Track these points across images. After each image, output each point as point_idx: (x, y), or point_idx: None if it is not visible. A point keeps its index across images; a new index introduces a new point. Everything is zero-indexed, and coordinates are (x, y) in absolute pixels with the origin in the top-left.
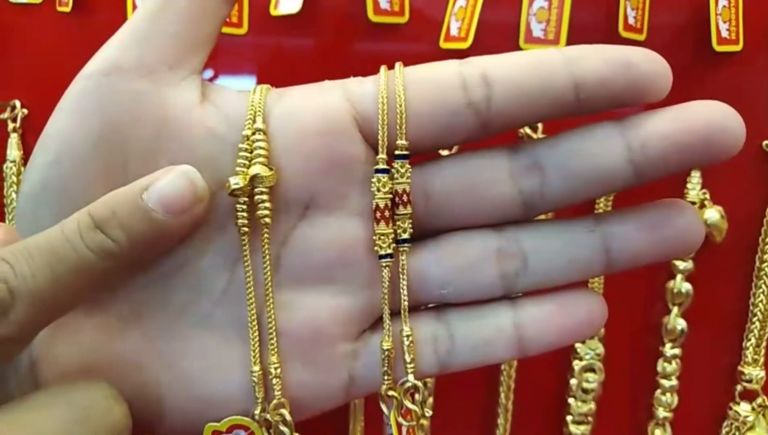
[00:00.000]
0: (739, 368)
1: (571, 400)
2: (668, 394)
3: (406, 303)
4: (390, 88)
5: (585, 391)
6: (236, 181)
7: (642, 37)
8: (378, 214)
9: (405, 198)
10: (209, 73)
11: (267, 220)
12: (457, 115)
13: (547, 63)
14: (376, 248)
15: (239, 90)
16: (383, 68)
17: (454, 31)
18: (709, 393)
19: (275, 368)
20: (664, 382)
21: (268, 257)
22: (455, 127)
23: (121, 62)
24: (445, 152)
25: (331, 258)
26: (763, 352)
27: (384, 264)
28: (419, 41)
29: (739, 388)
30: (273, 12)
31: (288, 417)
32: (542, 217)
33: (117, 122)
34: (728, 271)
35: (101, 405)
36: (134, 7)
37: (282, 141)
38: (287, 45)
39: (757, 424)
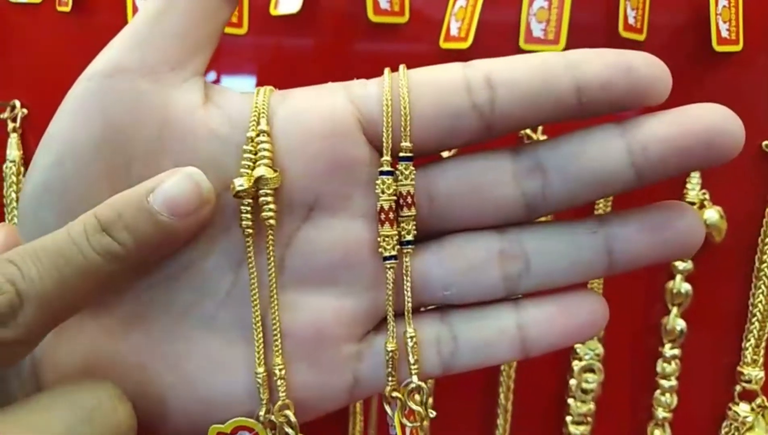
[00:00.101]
0: (739, 369)
1: (570, 401)
2: (668, 395)
3: (409, 304)
4: (394, 90)
5: (584, 391)
6: (241, 183)
7: (642, 37)
8: (382, 216)
9: (409, 200)
10: (212, 76)
11: (272, 221)
12: (461, 117)
13: (549, 67)
14: (380, 250)
15: (242, 91)
16: (387, 70)
17: (454, 31)
18: (708, 393)
19: (280, 369)
20: (664, 383)
21: (272, 259)
22: (459, 129)
23: (123, 63)
24: (446, 154)
25: (335, 259)
26: (762, 352)
27: (388, 265)
28: (419, 41)
29: (738, 388)
30: (273, 12)
31: (293, 418)
32: (544, 218)
33: (119, 123)
34: (728, 272)
35: (106, 405)
36: (134, 6)
37: (286, 143)
38: (287, 45)
39: (756, 425)
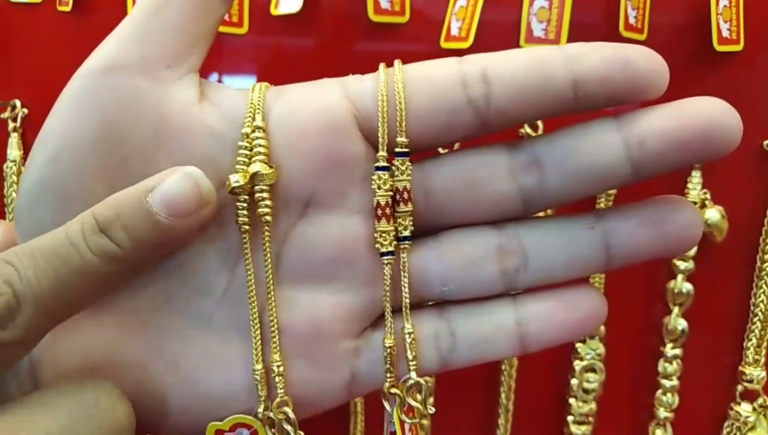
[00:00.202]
0: (740, 368)
1: (571, 400)
2: (669, 395)
3: (407, 300)
4: (389, 85)
5: (586, 391)
6: (237, 179)
7: (643, 37)
8: (379, 212)
9: (406, 195)
10: (213, 76)
11: (268, 218)
12: (457, 112)
13: (546, 61)
14: (377, 246)
15: (238, 88)
16: (382, 66)
17: (454, 31)
18: (710, 393)
19: (278, 366)
20: (665, 383)
21: (269, 255)
22: (455, 124)
23: (119, 60)
24: (443, 150)
25: (331, 256)
26: (763, 352)
27: (385, 261)
28: (420, 41)
29: (740, 388)
30: (273, 12)
31: (291, 415)
32: (542, 214)
33: (115, 120)
34: (729, 271)
35: (105, 403)
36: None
37: (282, 139)
38: (287, 45)
39: (758, 425)
